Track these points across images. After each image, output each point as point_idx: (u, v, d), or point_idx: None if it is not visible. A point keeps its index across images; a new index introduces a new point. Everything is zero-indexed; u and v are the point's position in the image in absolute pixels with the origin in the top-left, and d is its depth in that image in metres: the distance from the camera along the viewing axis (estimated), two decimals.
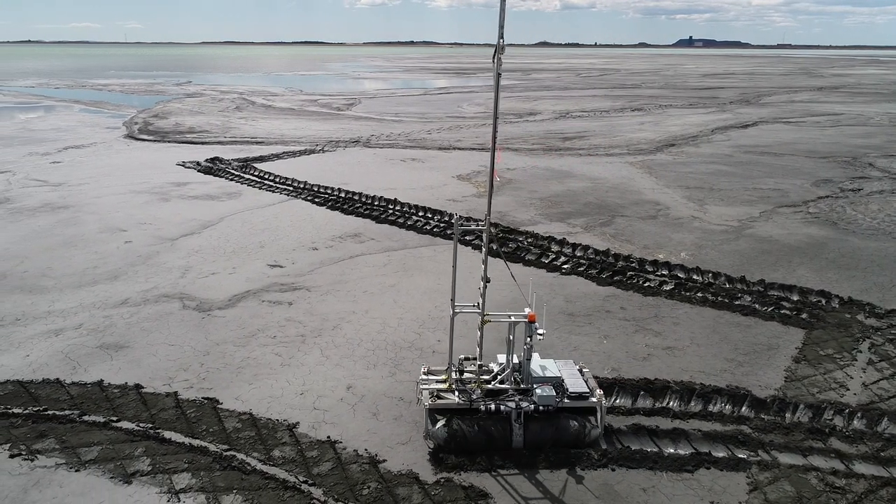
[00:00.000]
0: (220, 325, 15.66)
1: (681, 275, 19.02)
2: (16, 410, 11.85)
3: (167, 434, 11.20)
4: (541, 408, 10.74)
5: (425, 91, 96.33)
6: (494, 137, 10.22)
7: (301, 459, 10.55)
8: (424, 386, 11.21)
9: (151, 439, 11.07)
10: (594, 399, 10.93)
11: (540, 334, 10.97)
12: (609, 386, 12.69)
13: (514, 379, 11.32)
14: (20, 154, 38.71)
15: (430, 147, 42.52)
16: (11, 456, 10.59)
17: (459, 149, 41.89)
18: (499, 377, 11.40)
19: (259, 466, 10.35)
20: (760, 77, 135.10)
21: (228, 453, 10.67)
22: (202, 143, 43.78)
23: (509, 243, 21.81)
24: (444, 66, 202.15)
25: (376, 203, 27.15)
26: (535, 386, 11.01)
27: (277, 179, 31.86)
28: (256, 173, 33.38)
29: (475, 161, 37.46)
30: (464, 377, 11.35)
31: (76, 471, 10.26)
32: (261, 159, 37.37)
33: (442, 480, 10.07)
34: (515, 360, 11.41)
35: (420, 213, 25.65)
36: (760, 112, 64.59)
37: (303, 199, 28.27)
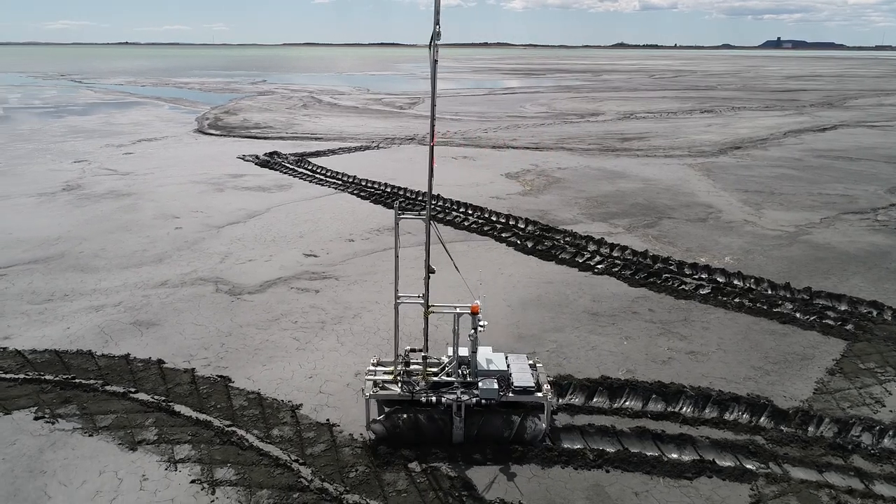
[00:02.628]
0: (247, 308, 16.20)
1: (720, 279, 18.18)
2: (48, 377, 12.66)
3: (178, 407, 11.68)
4: (483, 401, 10.43)
5: (489, 91, 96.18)
6: (433, 124, 10.10)
7: (297, 440, 10.77)
8: (369, 377, 11.00)
9: (163, 411, 11.58)
10: (540, 395, 10.58)
11: (482, 326, 10.71)
12: (619, 387, 12.29)
13: (460, 372, 11.03)
14: (98, 145, 41.34)
15: (483, 145, 42.42)
16: (35, 418, 11.33)
17: (513, 147, 41.58)
18: (443, 369, 11.15)
19: (256, 443, 10.64)
20: (850, 79, 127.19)
21: (230, 429, 11.03)
22: (265, 138, 45.39)
23: (545, 241, 21.46)
24: (513, 66, 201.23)
25: (419, 199, 27.35)
26: (478, 379, 10.74)
27: (328, 174, 32.64)
28: (309, 167, 34.30)
29: (527, 160, 37.09)
30: (410, 369, 11.11)
31: (89, 436, 10.86)
32: (316, 154, 38.36)
33: (429, 469, 10.04)
34: (463, 353, 11.07)
35: (460, 209, 25.65)
36: (842, 115, 60.81)
37: (349, 192, 28.83)
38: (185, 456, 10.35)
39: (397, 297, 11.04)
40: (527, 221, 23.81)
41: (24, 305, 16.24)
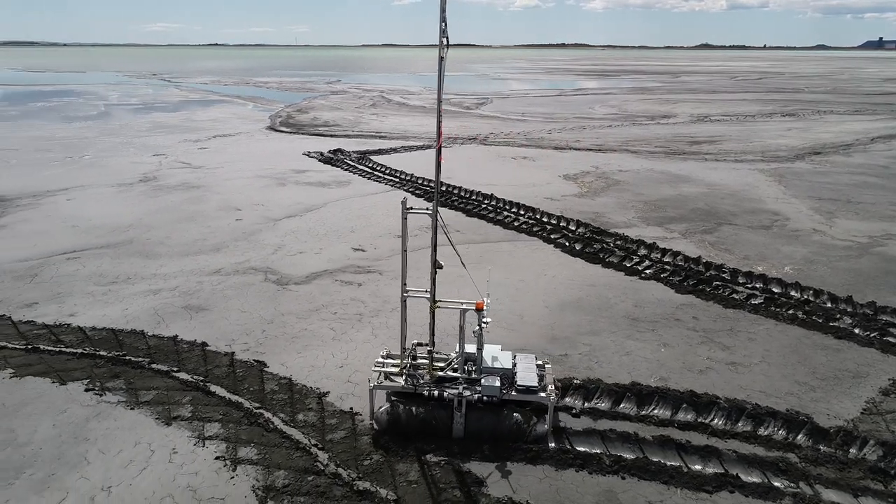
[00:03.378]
0: (290, 298, 16.77)
1: (775, 289, 17.31)
2: (102, 353, 13.58)
3: (213, 388, 12.27)
4: (484, 398, 10.46)
5: (560, 92, 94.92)
6: (440, 121, 10.10)
7: (320, 425, 11.10)
8: (377, 368, 11.20)
9: (199, 390, 12.20)
10: (543, 395, 10.51)
11: (485, 322, 10.71)
12: (648, 395, 11.96)
13: (465, 368, 11.04)
14: (176, 140, 43.73)
15: (545, 146, 41.99)
16: (86, 390, 12.19)
17: (576, 149, 40.95)
18: (450, 365, 11.23)
19: (280, 426, 11.04)
20: None
21: (258, 411, 11.48)
22: (331, 135, 46.67)
23: (594, 244, 21.07)
24: (588, 68, 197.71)
25: (472, 197, 27.42)
26: (481, 375, 10.71)
27: (386, 171, 33.24)
28: (370, 165, 35.03)
29: (588, 161, 36.46)
30: (417, 362, 11.21)
31: (131, 409, 11.59)
32: (378, 152, 39.11)
33: (442, 463, 10.13)
34: (469, 349, 11.09)
35: (511, 209, 25.54)
36: None
37: (404, 190, 29.26)
38: (214, 434, 10.87)
39: (405, 292, 11.13)
40: (578, 223, 23.43)
41: (91, 286, 17.46)
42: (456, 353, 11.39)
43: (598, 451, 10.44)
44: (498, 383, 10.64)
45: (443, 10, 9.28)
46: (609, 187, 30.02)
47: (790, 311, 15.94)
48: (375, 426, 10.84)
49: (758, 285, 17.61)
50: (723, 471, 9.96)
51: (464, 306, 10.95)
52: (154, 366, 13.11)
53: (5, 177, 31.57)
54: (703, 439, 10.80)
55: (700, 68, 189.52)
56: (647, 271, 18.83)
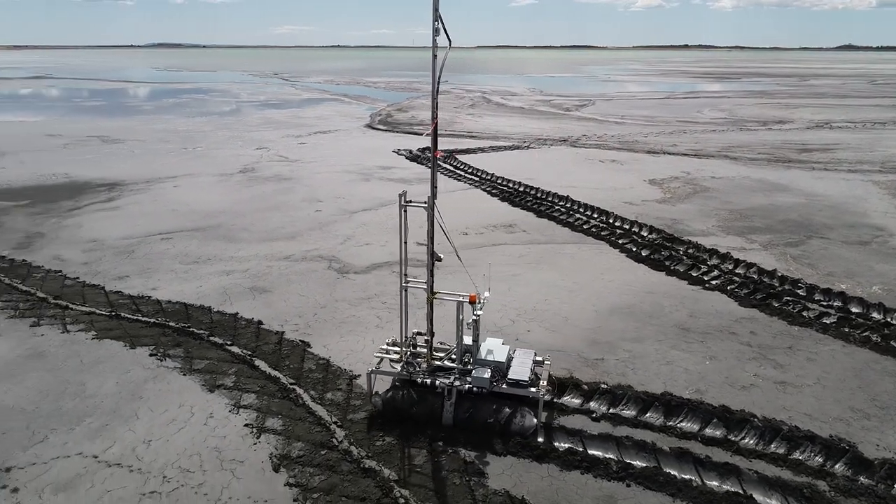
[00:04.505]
0: (347, 286, 17.60)
1: (854, 309, 15.96)
2: (171, 324, 14.99)
3: (258, 362, 13.23)
4: (474, 389, 10.71)
5: (668, 95, 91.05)
6: (435, 115, 10.13)
7: (344, 405, 11.70)
8: (379, 354, 11.74)
9: (245, 364, 13.20)
10: (533, 390, 10.64)
11: (476, 315, 11.07)
12: (678, 406, 11.54)
13: (462, 359, 11.29)
14: (280, 135, 46.59)
15: (638, 150, 40.71)
16: (150, 355, 13.56)
17: (670, 153, 39.38)
18: (447, 355, 11.56)
19: (308, 402, 11.74)
20: None
21: (293, 386, 12.27)
22: (423, 134, 47.78)
23: (662, 251, 20.34)
24: (707, 70, 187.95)
25: (546, 198, 27.24)
26: (473, 367, 10.93)
27: (468, 170, 33.68)
28: (454, 163, 35.62)
29: (680, 166, 34.98)
30: (418, 350, 11.61)
31: (183, 375, 12.76)
32: (465, 151, 39.64)
33: (449, 451, 10.37)
34: (467, 341, 11.38)
35: (584, 212, 25.14)
36: None
37: (482, 189, 29.56)
38: (248, 403, 11.76)
39: (406, 282, 11.60)
40: (651, 229, 22.69)
41: (175, 264, 19.22)
42: (455, 343, 11.69)
43: (609, 455, 10.26)
44: (488, 375, 10.92)
45: (436, 10, 9.52)
46: (695, 194, 28.70)
47: (864, 333, 14.67)
48: (373, 408, 11.35)
49: (835, 304, 16.31)
50: (738, 490, 9.49)
51: (460, 299, 11.17)
52: (212, 338, 14.31)
53: (128, 164, 35.16)
54: (725, 456, 10.31)
55: (835, 71, 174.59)
56: (714, 282, 17.95)
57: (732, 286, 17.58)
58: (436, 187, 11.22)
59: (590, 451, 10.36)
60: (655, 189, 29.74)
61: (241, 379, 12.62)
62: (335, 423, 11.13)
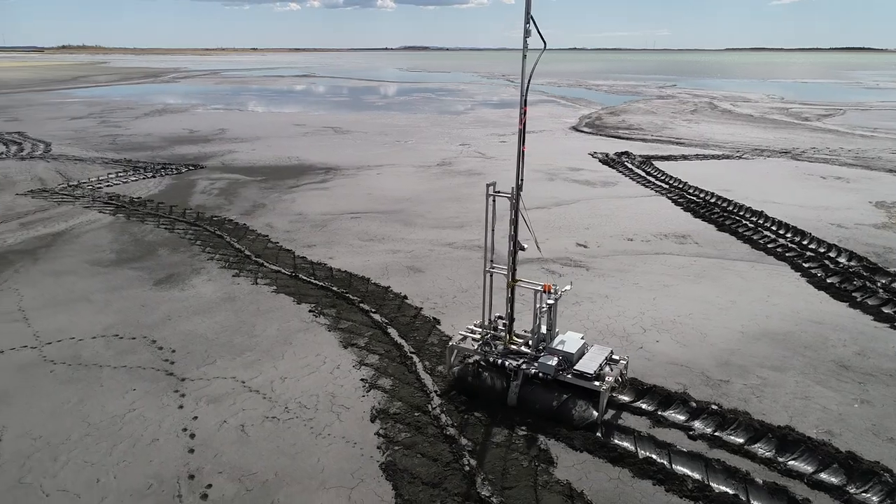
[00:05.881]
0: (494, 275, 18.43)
1: None
2: (333, 288, 17.27)
3: (391, 330, 14.72)
4: (540, 374, 11.02)
5: None
6: (523, 111, 10.04)
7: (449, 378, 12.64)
8: (463, 332, 12.42)
9: (380, 329, 14.83)
10: (596, 383, 10.74)
11: (548, 303, 11.34)
12: (795, 443, 10.46)
13: (538, 346, 11.54)
14: (485, 133, 48.85)
15: (876, 168, 35.15)
16: (310, 311, 15.85)
17: None
18: (526, 341, 12.02)
19: (419, 371, 12.85)
20: None
21: (412, 355, 13.52)
22: (627, 138, 46.49)
23: (855, 280, 17.79)
24: None
25: (736, 212, 25.16)
26: (542, 354, 11.17)
27: (659, 177, 32.26)
28: (647, 169, 34.33)
29: None
30: (497, 333, 12.11)
31: (329, 331, 14.78)
32: (666, 158, 37.88)
33: (529, 436, 10.72)
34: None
35: (774, 229, 22.81)
36: None
37: (667, 196, 28.25)
38: (370, 363, 13.29)
39: (491, 267, 12.22)
40: (850, 255, 19.91)
41: (354, 240, 21.82)
42: (532, 330, 12.11)
43: (690, 474, 9.79)
44: (554, 363, 11.16)
45: (528, 12, 9.79)
46: None
47: None
48: (449, 379, 12.22)
49: None
50: None
51: (538, 287, 11.46)
52: (361, 305, 16.23)
53: (347, 152, 39.97)
54: (803, 491, 9.21)
55: None
56: None
57: None
58: (522, 179, 11.55)
59: (671, 466, 9.97)
60: (879, 213, 25.68)
61: (373, 342, 14.24)
62: (435, 391, 12.13)
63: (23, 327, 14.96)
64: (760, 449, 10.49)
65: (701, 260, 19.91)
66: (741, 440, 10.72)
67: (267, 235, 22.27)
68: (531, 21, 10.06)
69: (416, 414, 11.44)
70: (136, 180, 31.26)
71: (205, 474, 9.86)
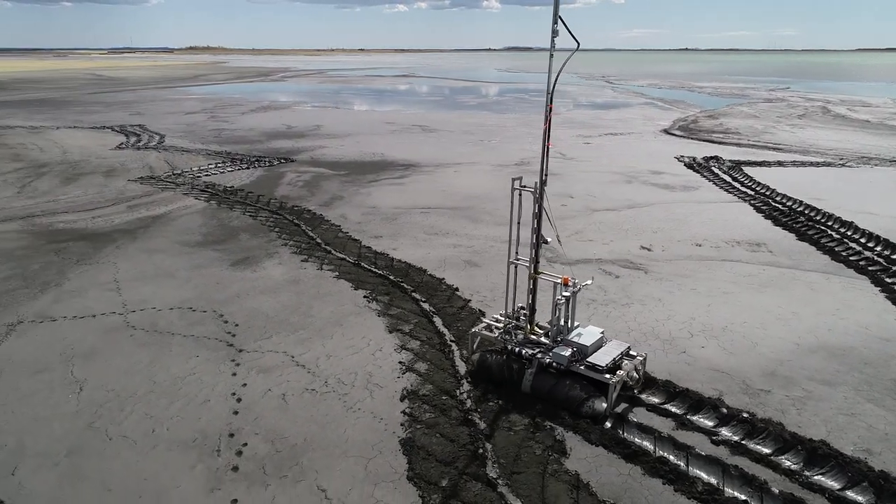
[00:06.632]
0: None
1: None
2: (391, 277, 18.12)
3: (436, 319, 15.36)
4: (553, 364, 11.26)
5: None
6: (549, 112, 10.08)
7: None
8: (486, 320, 12.92)
9: (426, 318, 15.47)
10: (607, 376, 10.88)
11: (565, 294, 11.50)
12: (825, 457, 10.08)
13: (556, 337, 11.66)
14: (571, 134, 48.37)
15: None
16: (364, 296, 16.76)
17: None
18: (545, 332, 12.27)
19: (456, 358, 13.38)
20: None
21: (451, 343, 14.06)
22: (721, 143, 44.51)
23: None
24: None
25: (823, 221, 23.72)
26: (558, 344, 11.29)
27: (746, 182, 30.84)
28: (734, 175, 32.87)
29: None
30: (519, 323, 12.41)
31: (378, 316, 15.59)
32: (758, 164, 36.08)
33: (547, 427, 10.96)
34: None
35: (862, 241, 21.36)
36: None
37: (750, 203, 27.03)
38: (411, 347, 13.96)
39: (516, 258, 12.62)
40: None
41: (419, 233, 22.62)
42: (551, 322, 12.42)
43: (703, 476, 9.70)
44: (567, 353, 11.39)
45: (556, 12, 9.93)
46: None
47: None
48: (470, 365, 12.70)
49: None
50: None
51: (558, 280, 11.67)
52: (413, 294, 16.96)
53: (430, 150, 41.01)
54: (805, 494, 8.86)
55: None
56: None
57: None
58: (546, 175, 11.73)
59: (686, 467, 9.90)
60: None
61: (417, 328, 14.91)
62: (466, 378, 12.61)
63: (115, 296, 16.87)
64: (786, 460, 10.18)
65: (770, 269, 19.07)
66: (767, 450, 10.43)
67: (339, 225, 23.53)
68: (560, 21, 10.29)
69: (443, 397, 11.97)
70: (232, 171, 33.77)
71: (243, 434, 10.89)
